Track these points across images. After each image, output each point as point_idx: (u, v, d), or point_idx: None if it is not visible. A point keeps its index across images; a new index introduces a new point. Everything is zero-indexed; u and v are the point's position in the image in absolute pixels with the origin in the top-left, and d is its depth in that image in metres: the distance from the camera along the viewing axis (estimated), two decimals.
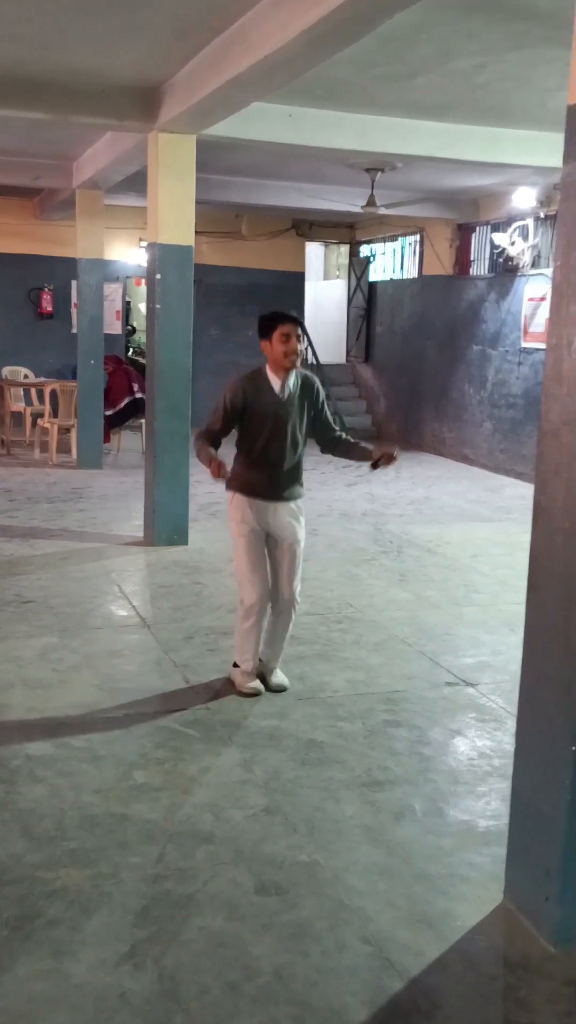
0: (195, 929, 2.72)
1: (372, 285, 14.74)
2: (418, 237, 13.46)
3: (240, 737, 3.97)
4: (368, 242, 14.94)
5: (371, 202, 9.69)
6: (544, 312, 10.34)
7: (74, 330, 12.30)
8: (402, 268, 14.19)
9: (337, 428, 4.52)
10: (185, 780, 3.59)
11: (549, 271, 10.13)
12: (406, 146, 7.35)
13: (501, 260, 11.27)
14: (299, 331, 4.21)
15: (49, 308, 13.81)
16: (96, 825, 3.24)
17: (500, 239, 11.09)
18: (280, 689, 4.48)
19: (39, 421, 11.58)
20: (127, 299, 15.08)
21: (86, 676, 4.60)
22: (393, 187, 10.16)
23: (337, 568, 6.69)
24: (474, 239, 12.28)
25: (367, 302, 14.76)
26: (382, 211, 10.54)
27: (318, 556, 6.95)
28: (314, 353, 13.90)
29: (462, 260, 12.46)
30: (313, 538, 7.43)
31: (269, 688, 4.48)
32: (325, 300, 15.71)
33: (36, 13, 5.09)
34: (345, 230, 15.05)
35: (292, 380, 4.28)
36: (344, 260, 15.80)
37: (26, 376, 13.10)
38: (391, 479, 10.70)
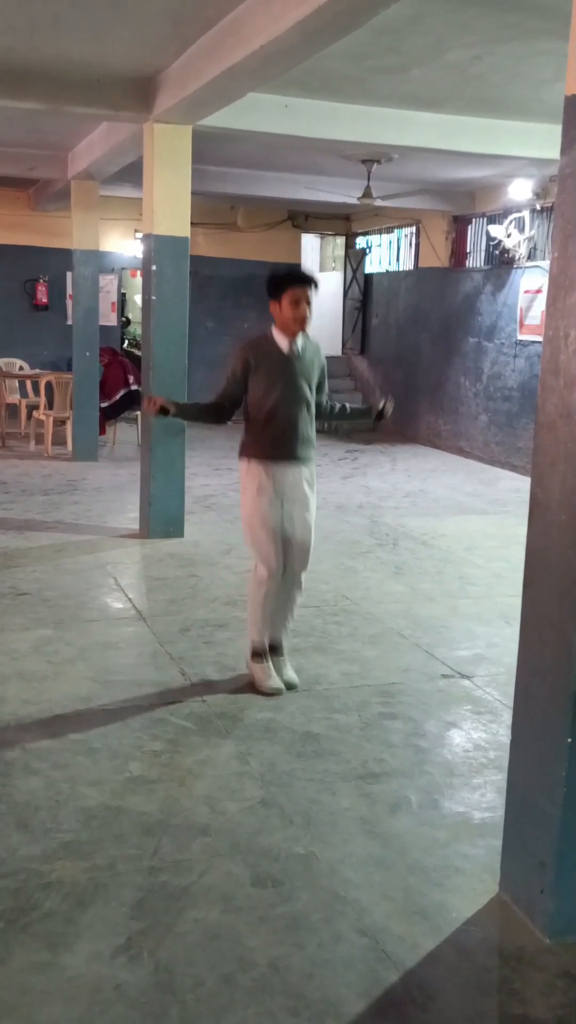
0: (190, 921, 2.72)
1: (368, 277, 14.71)
2: (414, 229, 13.43)
3: (236, 729, 3.97)
4: (364, 234, 14.91)
5: (367, 194, 9.67)
6: (540, 304, 10.33)
7: (69, 322, 12.28)
8: (398, 260, 14.16)
9: (333, 399, 4.56)
10: (181, 772, 3.59)
11: (545, 263, 10.12)
12: (402, 137, 7.33)
13: (497, 252, 11.26)
14: (310, 294, 4.10)
15: (44, 300, 13.78)
16: (92, 817, 3.25)
17: (496, 231, 11.07)
18: (292, 687, 4.39)
19: (34, 413, 11.56)
20: (122, 291, 15.05)
21: (81, 669, 4.59)
22: (389, 179, 10.14)
23: (333, 561, 6.69)
24: (470, 231, 12.25)
25: (363, 294, 14.74)
26: (378, 203, 10.52)
27: (314, 548, 6.94)
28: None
29: (458, 252, 12.45)
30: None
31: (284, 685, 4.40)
32: (321, 292, 15.56)
33: (30, 2, 5.06)
34: (341, 222, 15.02)
35: (300, 339, 4.22)
36: (340, 252, 15.76)
37: (21, 368, 13.06)
38: (386, 472, 10.70)
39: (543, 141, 7.42)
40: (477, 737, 4.02)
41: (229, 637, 5.04)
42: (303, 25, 4.33)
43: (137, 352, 12.91)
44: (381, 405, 4.49)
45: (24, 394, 12.62)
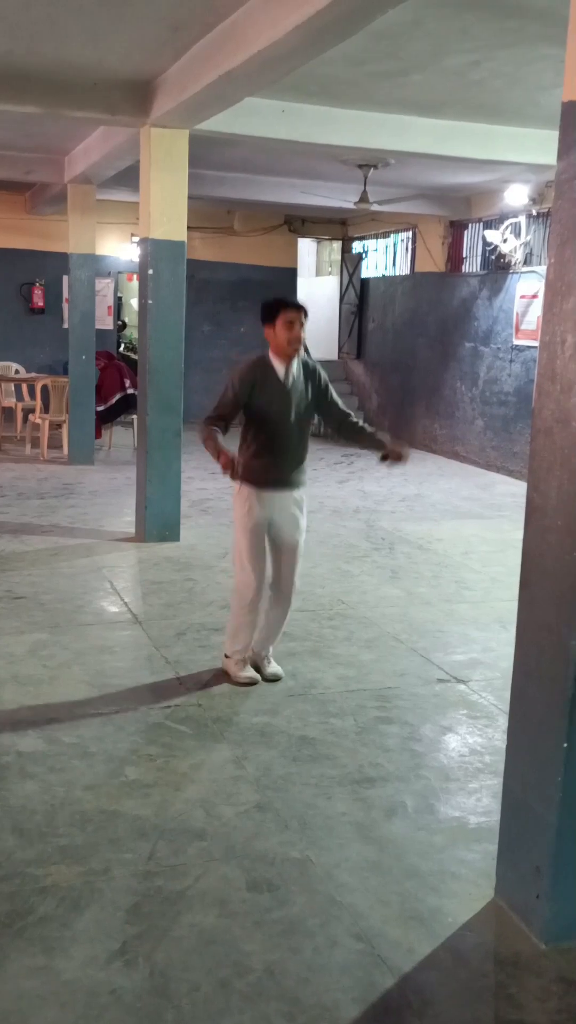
0: (186, 926, 2.71)
1: (364, 282, 14.73)
2: (410, 234, 13.46)
3: (232, 733, 3.97)
4: (361, 238, 14.93)
5: (364, 198, 9.67)
6: (536, 309, 10.35)
7: (65, 325, 12.27)
8: (394, 265, 14.18)
9: (350, 412, 4.57)
10: (176, 776, 3.58)
11: (541, 268, 10.14)
12: (399, 142, 7.34)
13: (493, 257, 11.28)
14: (303, 318, 4.21)
15: (40, 303, 13.77)
16: (87, 822, 3.24)
17: (492, 236, 11.09)
18: (275, 679, 4.52)
19: (30, 417, 11.54)
20: (119, 294, 15.05)
21: (77, 672, 4.59)
22: (386, 184, 10.16)
23: (329, 565, 6.69)
24: (466, 236, 12.28)
25: (359, 299, 14.75)
26: (375, 208, 10.53)
27: (310, 552, 6.93)
28: (307, 349, 13.89)
29: (454, 257, 12.47)
30: (304, 535, 7.43)
31: (265, 678, 4.52)
32: (317, 296, 15.67)
33: (27, 5, 5.06)
34: (338, 226, 15.04)
35: (295, 366, 4.30)
36: (336, 256, 15.78)
37: (17, 371, 13.05)
38: (383, 476, 10.70)
39: (540, 147, 7.44)
40: (473, 742, 4.02)
41: (225, 636, 5.03)
42: (301, 30, 4.33)
43: (133, 356, 12.92)
44: (386, 453, 4.41)
45: (20, 398, 12.62)
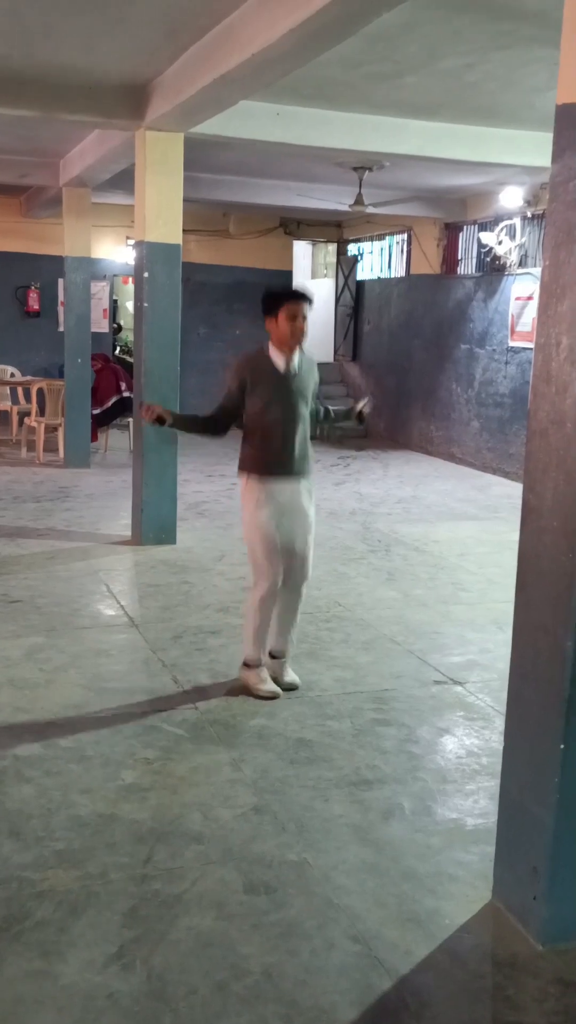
0: (183, 929, 2.71)
1: (360, 284, 14.75)
2: (406, 236, 13.47)
3: (229, 736, 3.97)
4: (356, 241, 14.95)
5: (359, 201, 9.69)
6: (531, 311, 10.36)
7: (61, 328, 12.26)
8: (390, 267, 14.20)
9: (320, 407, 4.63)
10: (174, 780, 3.58)
11: (536, 270, 10.16)
12: (394, 145, 7.35)
13: (488, 259, 11.29)
14: (306, 310, 4.17)
15: (36, 306, 13.77)
16: (84, 825, 3.24)
17: (487, 238, 11.11)
18: (292, 687, 4.42)
19: (26, 420, 11.53)
20: (114, 297, 15.05)
21: (73, 676, 4.58)
22: (381, 186, 10.17)
23: (325, 567, 6.69)
24: (461, 238, 12.30)
25: (355, 301, 14.77)
26: (370, 210, 10.55)
27: (313, 560, 6.94)
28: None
29: (449, 259, 12.49)
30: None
31: (282, 687, 4.41)
32: (313, 298, 15.70)
33: (21, 8, 5.07)
34: (333, 229, 15.05)
35: (297, 356, 4.27)
36: (332, 259, 15.79)
37: (13, 375, 13.05)
38: (378, 478, 10.72)
39: (534, 149, 7.45)
40: (470, 743, 4.02)
41: (222, 644, 5.03)
42: (296, 33, 4.34)
43: (129, 359, 12.91)
44: (360, 406, 4.60)
45: (16, 401, 12.60)
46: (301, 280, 16.09)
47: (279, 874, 2.99)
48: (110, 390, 11.52)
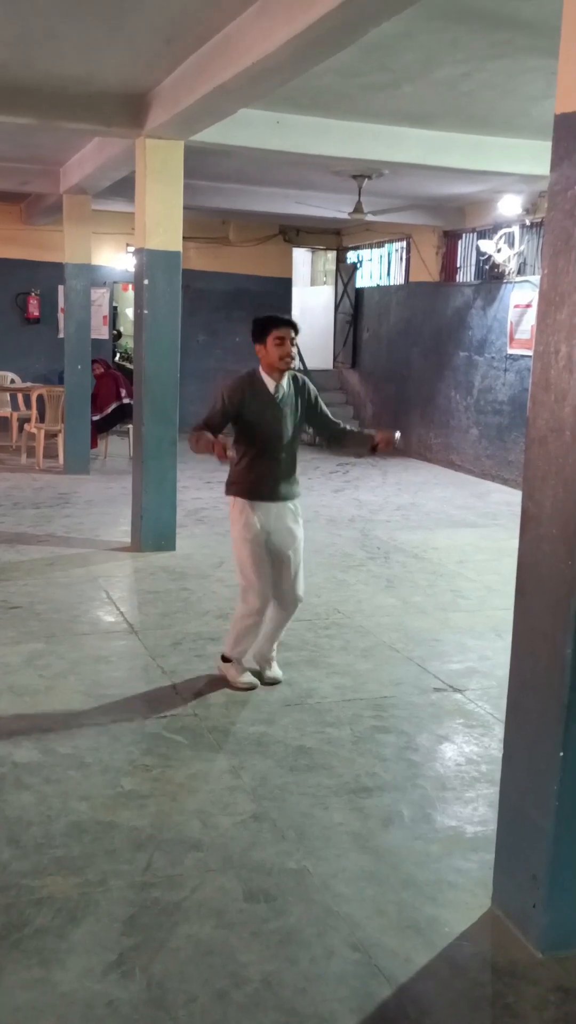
0: (183, 937, 2.71)
1: (359, 291, 14.77)
2: (405, 244, 13.50)
3: (228, 743, 3.97)
4: (355, 248, 14.98)
5: (358, 209, 9.72)
6: (530, 319, 10.38)
7: (61, 335, 12.27)
8: (389, 275, 14.23)
9: (339, 421, 4.64)
10: (173, 787, 3.58)
11: (535, 278, 10.18)
12: (392, 153, 7.38)
13: (487, 267, 11.32)
14: (293, 334, 4.28)
15: (36, 313, 13.79)
16: (83, 832, 3.23)
17: (486, 246, 11.13)
18: (274, 682, 4.56)
19: (26, 426, 11.55)
20: (114, 304, 15.07)
21: (73, 682, 4.58)
22: (380, 194, 10.20)
23: (324, 574, 6.70)
24: (460, 246, 12.33)
25: (354, 308, 14.79)
26: (369, 218, 10.58)
27: (305, 562, 6.94)
28: (301, 358, 13.93)
29: (448, 267, 12.51)
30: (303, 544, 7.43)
31: (264, 682, 4.56)
32: (312, 306, 15.74)
33: (22, 17, 5.09)
34: (332, 236, 15.09)
35: (285, 381, 4.38)
36: (331, 266, 15.83)
37: (13, 381, 13.06)
38: (377, 485, 10.72)
39: (532, 157, 7.48)
40: (469, 751, 4.02)
41: (221, 650, 5.03)
42: (294, 43, 4.36)
43: (129, 365, 12.92)
44: (375, 442, 4.48)
45: (16, 407, 12.62)
46: (300, 287, 16.14)
47: (279, 882, 2.99)
48: (110, 397, 11.53)
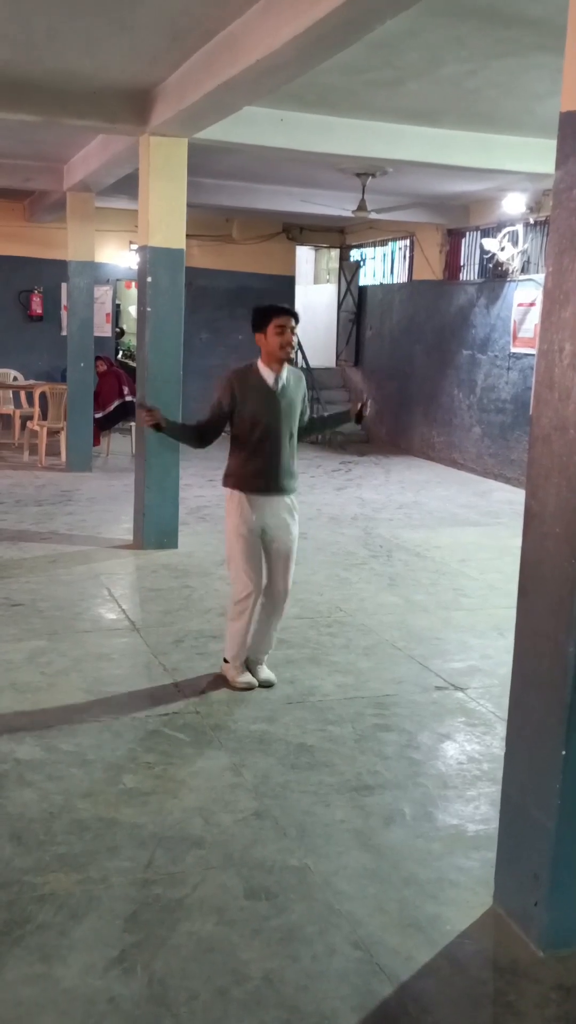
0: (184, 934, 2.71)
1: (362, 289, 14.77)
2: (408, 242, 13.50)
3: (230, 741, 3.97)
4: (358, 246, 14.97)
5: (362, 207, 9.71)
6: (533, 317, 10.37)
7: (64, 332, 12.29)
8: (392, 273, 14.22)
9: (313, 413, 4.72)
10: (174, 784, 3.58)
11: (538, 276, 10.17)
12: (396, 151, 7.37)
13: (491, 265, 11.31)
14: (293, 323, 4.27)
15: (39, 310, 13.79)
16: (85, 829, 3.23)
17: (490, 244, 11.13)
18: (268, 684, 4.55)
19: (28, 423, 11.55)
20: (117, 302, 15.08)
21: (75, 680, 4.58)
22: (384, 192, 10.19)
23: (327, 572, 6.70)
24: (464, 244, 12.32)
25: (357, 306, 14.79)
26: (373, 216, 10.56)
27: (308, 560, 6.95)
28: (304, 356, 13.93)
29: (452, 265, 12.50)
30: (303, 542, 7.39)
31: (259, 683, 4.56)
32: (315, 304, 15.74)
33: (26, 14, 5.09)
34: (335, 234, 15.08)
35: (285, 373, 4.36)
36: (334, 264, 15.82)
37: (15, 378, 13.07)
38: (380, 483, 10.72)
39: (537, 155, 7.47)
40: (471, 749, 4.02)
41: (223, 648, 5.03)
42: (298, 40, 4.35)
43: (131, 363, 12.93)
44: (359, 406, 4.62)
45: (18, 404, 12.62)
46: (303, 285, 16.13)
47: (280, 879, 2.99)
48: (112, 394, 11.53)
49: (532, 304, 10.44)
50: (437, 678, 4.81)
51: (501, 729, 4.04)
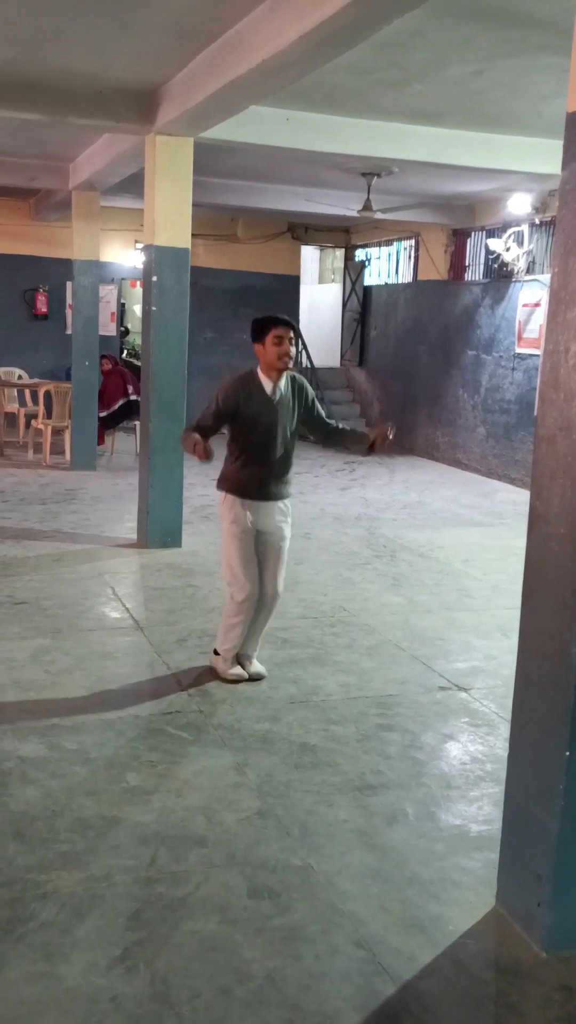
0: (187, 933, 2.71)
1: (367, 289, 14.76)
2: (413, 242, 13.49)
3: (233, 740, 3.97)
4: (363, 246, 14.96)
5: (367, 206, 9.71)
6: (538, 318, 10.37)
7: (68, 331, 12.30)
8: (397, 272, 14.21)
9: (332, 421, 4.73)
10: (178, 783, 3.58)
11: (544, 277, 10.16)
12: (402, 151, 7.37)
13: (496, 266, 11.30)
14: (291, 334, 4.32)
15: (44, 309, 13.81)
16: (88, 828, 3.24)
17: (495, 245, 11.12)
18: (258, 677, 4.63)
19: (33, 422, 11.57)
20: (122, 301, 15.08)
21: (78, 678, 4.59)
22: (389, 192, 10.18)
23: (330, 572, 6.70)
24: (469, 244, 12.31)
25: (362, 306, 14.78)
26: (378, 216, 10.56)
27: (311, 560, 6.96)
28: (308, 356, 13.92)
29: (457, 265, 12.49)
30: (306, 542, 7.44)
31: (249, 676, 4.62)
32: (320, 304, 15.73)
33: (33, 13, 5.09)
34: (340, 234, 15.08)
35: (283, 382, 4.41)
36: (339, 264, 15.82)
37: (20, 377, 13.08)
38: (384, 483, 10.72)
39: (543, 156, 7.46)
40: (474, 750, 4.02)
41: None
42: (304, 40, 4.35)
43: (136, 362, 12.94)
44: (374, 436, 4.53)
45: (23, 403, 12.64)
46: (308, 285, 16.12)
47: (283, 879, 2.99)
48: (117, 393, 11.55)
49: (537, 304, 10.43)
50: (440, 678, 4.81)
51: (504, 730, 4.04)
